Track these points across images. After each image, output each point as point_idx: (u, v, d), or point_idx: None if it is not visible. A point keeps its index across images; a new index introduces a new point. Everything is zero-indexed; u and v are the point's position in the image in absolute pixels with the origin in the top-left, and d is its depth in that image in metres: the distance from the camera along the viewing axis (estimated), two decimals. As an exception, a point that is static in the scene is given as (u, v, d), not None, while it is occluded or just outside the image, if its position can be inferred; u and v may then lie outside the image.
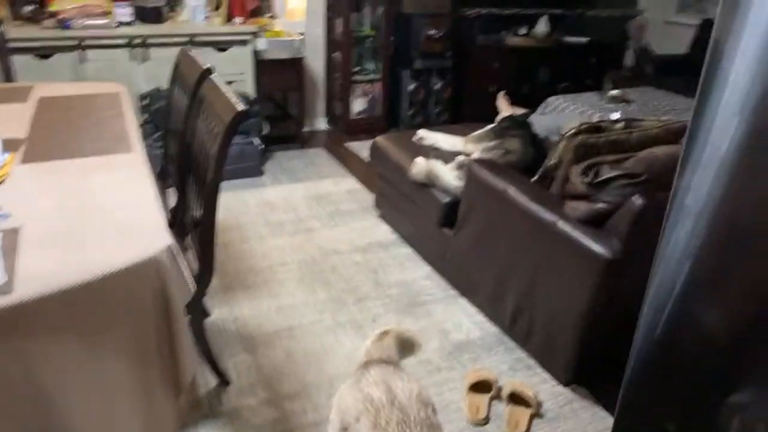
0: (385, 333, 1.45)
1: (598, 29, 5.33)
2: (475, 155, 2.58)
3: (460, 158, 2.57)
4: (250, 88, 3.72)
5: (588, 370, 1.94)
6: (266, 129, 3.72)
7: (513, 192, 1.99)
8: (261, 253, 2.69)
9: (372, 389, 1.21)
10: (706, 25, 4.83)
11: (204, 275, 1.73)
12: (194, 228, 1.93)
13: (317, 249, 2.75)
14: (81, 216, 1.34)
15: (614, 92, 3.86)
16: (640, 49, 5.37)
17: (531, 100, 4.54)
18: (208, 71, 1.94)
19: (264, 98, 4.01)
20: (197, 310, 1.80)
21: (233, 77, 3.64)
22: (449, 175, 2.41)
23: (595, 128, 1.97)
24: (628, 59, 5.51)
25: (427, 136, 2.86)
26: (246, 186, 3.40)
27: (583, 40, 5.03)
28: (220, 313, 2.24)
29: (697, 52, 4.88)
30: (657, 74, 4.78)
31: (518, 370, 2.03)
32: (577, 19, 5.28)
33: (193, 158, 1.94)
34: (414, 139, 2.88)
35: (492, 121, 3.12)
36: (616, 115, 2.67)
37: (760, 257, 1.01)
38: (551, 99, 3.90)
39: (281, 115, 4.34)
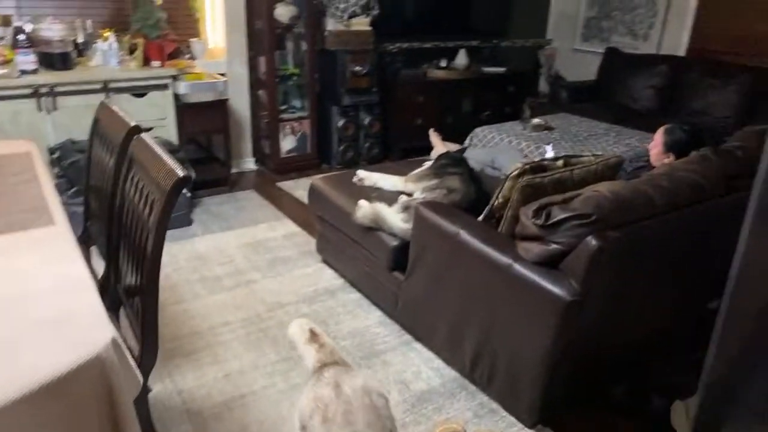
0: (315, 334, 1.56)
1: (513, 59, 5.58)
2: (417, 195, 2.57)
3: (404, 199, 2.54)
4: (172, 134, 3.54)
5: (552, 410, 1.93)
6: (192, 175, 3.53)
7: (465, 235, 1.97)
8: (199, 313, 2.51)
9: (323, 389, 1.38)
10: (610, 53, 5.18)
11: (147, 356, 1.57)
12: (129, 298, 1.76)
13: (261, 303, 2.61)
14: (4, 312, 1.16)
15: (536, 120, 4.01)
16: (553, 77, 5.67)
17: (456, 130, 4.65)
18: (137, 129, 1.79)
19: (187, 142, 3.83)
20: (140, 393, 1.62)
21: (153, 123, 3.44)
22: (395, 218, 2.37)
23: (539, 167, 2.00)
24: (543, 86, 5.80)
25: (366, 176, 2.81)
26: (174, 238, 3.19)
27: (501, 70, 5.23)
28: (162, 386, 2.05)
29: (603, 78, 5.22)
30: (570, 100, 5.05)
31: (483, 416, 1.99)
32: (493, 50, 5.51)
33: (123, 223, 1.77)
34: (354, 180, 2.83)
35: (422, 154, 3.15)
36: (550, 153, 2.76)
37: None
38: (478, 130, 3.99)
39: (206, 158, 4.15)
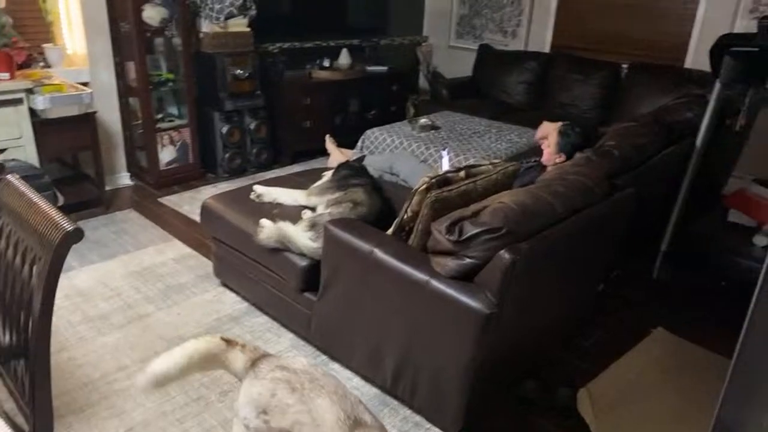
0: (230, 341, 1.47)
1: (394, 57, 5.65)
2: (321, 209, 2.51)
3: (309, 215, 2.47)
4: (31, 155, 3.12)
5: (475, 417, 1.99)
6: (61, 200, 3.14)
7: (380, 253, 1.95)
8: (88, 360, 2.25)
9: (272, 373, 1.34)
10: (483, 49, 5.44)
11: (42, 427, 1.37)
12: (5, 362, 1.53)
13: (159, 339, 2.39)
14: None
15: (423, 120, 4.10)
16: (432, 74, 5.83)
17: (345, 130, 4.64)
18: (0, 168, 1.54)
19: (50, 161, 3.41)
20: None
21: (7, 144, 3.03)
22: (303, 237, 2.28)
23: (444, 181, 2.03)
24: (423, 84, 5.94)
25: (264, 192, 2.69)
26: (47, 273, 2.82)
27: (383, 69, 5.27)
28: (53, 456, 1.80)
29: (478, 75, 5.46)
30: (450, 97, 5.23)
31: (408, 430, 2.00)
32: (374, 49, 5.53)
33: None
34: (251, 196, 2.69)
35: (313, 156, 3.08)
36: (446, 165, 2.82)
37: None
38: (369, 132, 3.99)
39: (74, 176, 3.73)
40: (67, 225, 1.22)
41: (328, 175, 2.77)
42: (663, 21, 4.45)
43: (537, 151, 2.95)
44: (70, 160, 3.75)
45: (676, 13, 4.37)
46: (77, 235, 1.22)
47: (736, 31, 4.05)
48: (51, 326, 1.31)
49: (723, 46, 2.68)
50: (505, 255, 1.69)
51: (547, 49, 5.17)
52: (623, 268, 3.09)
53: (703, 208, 3.25)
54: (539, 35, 5.22)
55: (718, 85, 2.76)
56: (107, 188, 3.78)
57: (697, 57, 4.24)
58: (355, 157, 3.13)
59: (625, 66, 4.58)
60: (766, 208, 3.03)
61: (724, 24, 4.05)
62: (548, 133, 2.70)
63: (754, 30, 2.66)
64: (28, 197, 1.36)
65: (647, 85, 4.33)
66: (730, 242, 3.02)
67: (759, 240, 2.92)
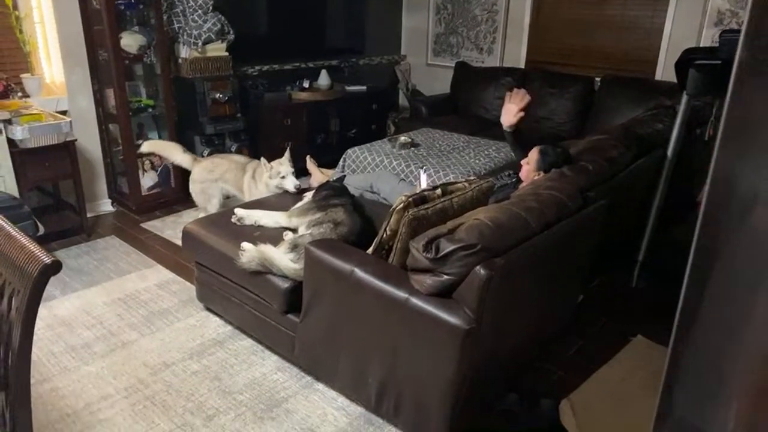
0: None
1: (373, 77, 5.73)
2: (303, 230, 2.54)
3: (291, 237, 2.49)
4: (10, 185, 3.11)
5: (459, 430, 2.01)
6: (41, 230, 3.13)
7: (360, 273, 1.97)
8: (71, 391, 2.24)
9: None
10: (460, 67, 5.53)
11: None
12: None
13: (143, 367, 2.39)
14: None
15: (403, 138, 4.15)
16: (411, 92, 5.91)
17: (327, 150, 4.68)
18: (-23, 203, 1.55)
19: (30, 190, 3.40)
20: None
21: (-15, 174, 3.01)
22: (285, 259, 2.30)
23: (420, 199, 2.07)
24: (403, 101, 6.02)
25: (245, 215, 2.71)
26: (28, 303, 2.80)
27: (363, 88, 5.33)
28: (36, 489, 1.79)
29: (456, 91, 5.55)
30: (430, 114, 5.30)
31: (394, 448, 2.02)
32: (353, 69, 5.61)
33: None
34: (232, 219, 2.71)
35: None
36: (424, 183, 2.86)
37: None
38: (350, 151, 4.03)
39: (54, 205, 3.72)
40: (45, 257, 1.23)
41: (308, 196, 2.81)
42: (632, 34, 4.58)
43: (515, 165, 3.01)
44: (51, 189, 3.74)
45: (644, 27, 4.50)
46: (55, 268, 1.23)
47: (702, 43, 4.18)
48: (30, 359, 1.31)
49: (687, 60, 2.78)
50: (480, 271, 1.73)
51: (522, 65, 5.28)
52: (603, 278, 3.15)
53: (678, 217, 3.33)
54: (514, 51, 5.33)
55: (685, 97, 2.85)
56: (89, 215, 3.76)
57: (666, 69, 4.36)
58: (335, 177, 3.16)
59: (598, 79, 4.69)
60: (738, 215, 3.11)
61: (691, 36, 4.18)
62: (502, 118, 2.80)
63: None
64: (6, 230, 1.37)
65: (620, 98, 4.44)
66: (704, 249, 3.09)
67: (732, 246, 2.99)
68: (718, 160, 1.03)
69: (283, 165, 3.14)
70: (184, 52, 4.04)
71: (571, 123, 4.75)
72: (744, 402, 1.12)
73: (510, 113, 2.86)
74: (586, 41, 4.87)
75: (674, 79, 2.98)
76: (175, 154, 3.53)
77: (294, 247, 2.34)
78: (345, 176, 3.17)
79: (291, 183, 3.08)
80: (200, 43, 4.02)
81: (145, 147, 3.61)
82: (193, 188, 3.50)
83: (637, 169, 2.86)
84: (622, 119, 3.73)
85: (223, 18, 4.13)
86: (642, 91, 4.31)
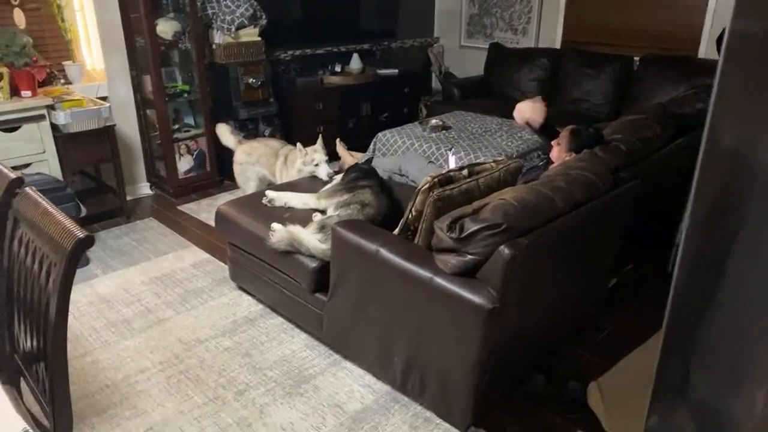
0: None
1: (405, 60, 5.70)
2: (331, 212, 2.57)
3: (319, 218, 2.52)
4: (54, 169, 3.25)
5: (484, 412, 2.02)
6: (84, 211, 3.26)
7: (385, 252, 1.99)
8: (110, 363, 2.34)
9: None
10: (494, 48, 5.44)
11: (61, 428, 1.44)
12: (30, 366, 1.61)
13: (178, 342, 2.48)
14: None
15: (434, 121, 4.12)
16: (444, 74, 5.85)
17: (358, 134, 4.69)
18: (19, 182, 1.63)
19: (74, 174, 3.54)
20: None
21: (31, 158, 3.16)
22: (313, 240, 2.34)
23: (446, 179, 2.06)
24: (435, 84, 5.97)
25: (275, 197, 2.75)
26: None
27: (395, 71, 5.31)
28: (78, 454, 1.89)
29: (489, 73, 5.46)
30: (462, 96, 5.24)
31: (418, 427, 2.04)
32: (385, 52, 5.58)
33: (13, 285, 1.61)
34: (263, 201, 2.76)
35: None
36: (452, 163, 2.84)
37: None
38: (380, 135, 4.03)
39: (97, 188, 3.86)
40: (79, 232, 1.29)
41: (337, 179, 2.83)
42: (674, 12, 4.40)
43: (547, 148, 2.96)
44: (92, 172, 3.89)
45: (686, 4, 4.32)
46: (88, 242, 1.29)
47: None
48: (67, 329, 1.37)
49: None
50: (505, 250, 1.72)
51: (557, 45, 5.16)
52: (638, 262, 3.07)
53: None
54: (549, 31, 5.21)
55: (726, 75, 2.73)
56: (128, 198, 3.89)
57: (710, 47, 4.18)
58: (363, 160, 3.17)
59: (636, 59, 4.54)
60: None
61: (737, 12, 3.99)
62: (527, 116, 2.74)
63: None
64: (44, 207, 1.44)
65: (660, 77, 4.29)
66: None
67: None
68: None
69: (318, 153, 3.16)
70: (218, 37, 4.10)
71: (608, 105, 4.62)
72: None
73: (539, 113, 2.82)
74: (624, 19, 4.71)
75: (717, 57, 2.86)
76: (224, 134, 3.63)
77: (322, 227, 2.37)
78: (372, 159, 3.18)
79: (324, 171, 3.10)
80: (233, 29, 4.07)
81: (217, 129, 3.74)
82: (235, 169, 3.58)
83: (675, 150, 2.77)
84: (662, 99, 3.60)
85: (255, 3, 4.17)
86: (684, 71, 4.15)
